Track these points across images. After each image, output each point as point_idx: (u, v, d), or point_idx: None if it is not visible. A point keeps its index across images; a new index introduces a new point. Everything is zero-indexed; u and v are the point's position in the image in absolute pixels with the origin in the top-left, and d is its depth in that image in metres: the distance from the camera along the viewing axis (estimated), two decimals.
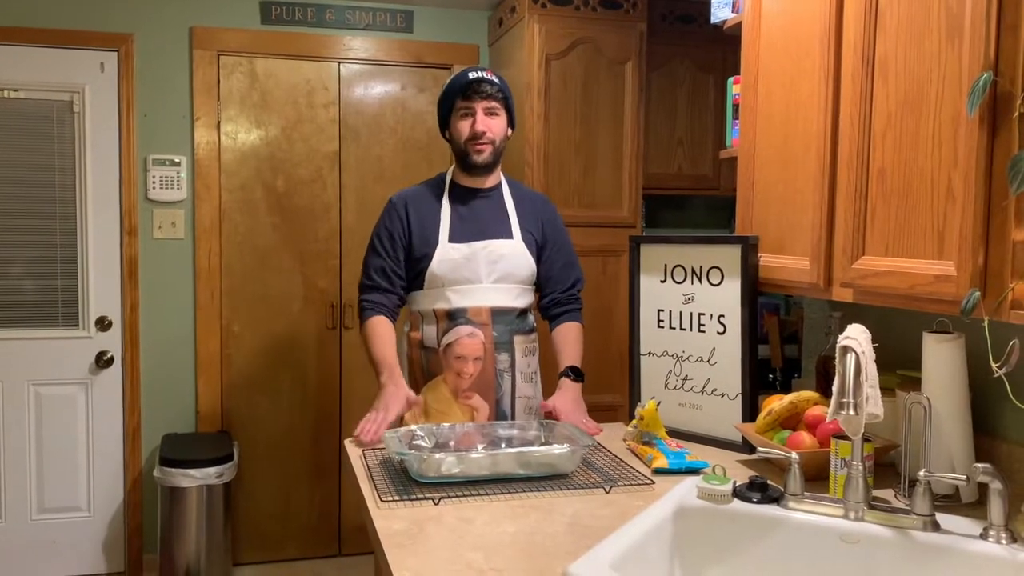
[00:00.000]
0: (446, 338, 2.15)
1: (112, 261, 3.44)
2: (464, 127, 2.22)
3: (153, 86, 3.43)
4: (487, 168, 2.26)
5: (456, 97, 2.23)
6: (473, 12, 3.73)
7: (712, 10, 2.29)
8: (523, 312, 2.30)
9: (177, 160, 3.46)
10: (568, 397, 2.18)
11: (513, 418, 2.24)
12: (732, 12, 2.24)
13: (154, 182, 3.44)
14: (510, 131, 2.30)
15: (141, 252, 3.45)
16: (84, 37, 3.35)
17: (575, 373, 2.24)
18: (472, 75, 2.21)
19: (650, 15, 3.44)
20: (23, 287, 3.38)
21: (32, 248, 3.38)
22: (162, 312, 3.49)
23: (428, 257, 2.21)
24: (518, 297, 2.27)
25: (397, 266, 2.25)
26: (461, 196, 2.29)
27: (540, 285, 2.36)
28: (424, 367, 2.25)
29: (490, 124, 2.22)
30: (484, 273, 2.22)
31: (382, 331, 2.20)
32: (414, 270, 2.25)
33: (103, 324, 3.44)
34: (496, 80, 2.24)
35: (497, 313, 2.22)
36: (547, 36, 3.28)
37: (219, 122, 3.51)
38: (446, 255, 2.20)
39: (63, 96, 3.36)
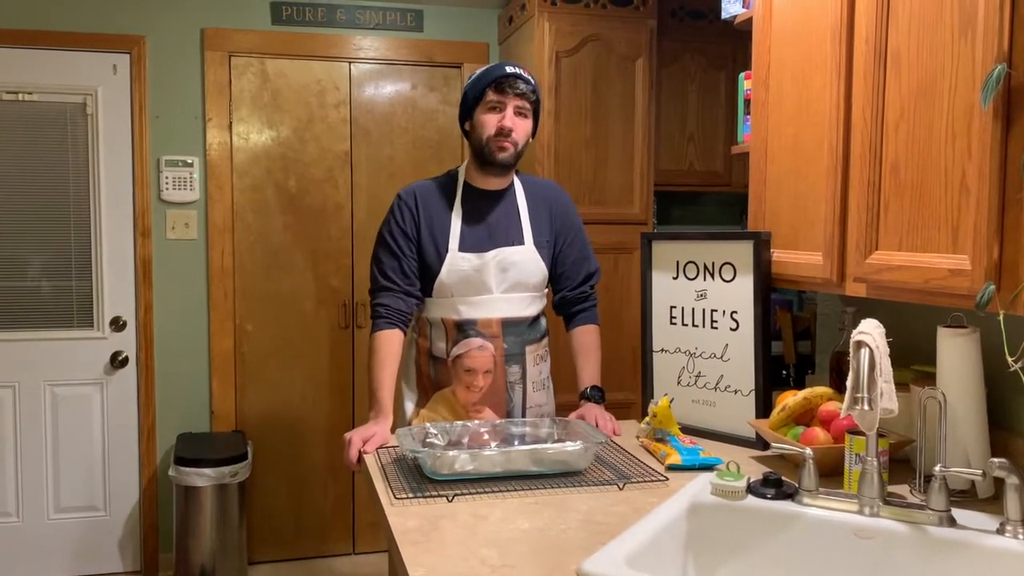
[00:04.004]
0: (455, 350, 2.05)
1: (126, 262, 3.46)
2: (490, 121, 2.06)
3: (165, 88, 3.45)
4: (505, 168, 2.13)
5: (487, 87, 2.06)
6: (483, 10, 3.73)
7: (723, 5, 2.28)
8: (534, 320, 2.20)
9: (190, 161, 3.48)
10: (592, 414, 2.10)
11: None
12: (742, 7, 2.23)
13: (167, 183, 3.46)
14: (531, 138, 2.16)
15: (155, 253, 3.47)
16: (96, 40, 3.37)
17: (596, 393, 2.17)
18: (509, 69, 2.07)
19: (660, 11, 3.44)
20: (38, 288, 3.41)
21: (47, 250, 3.40)
22: (176, 312, 3.51)
23: (437, 265, 2.10)
24: (529, 306, 2.18)
25: (413, 264, 2.12)
26: (472, 199, 2.16)
27: (552, 281, 2.24)
28: (432, 377, 2.17)
29: (517, 124, 2.08)
30: (495, 283, 2.11)
31: (387, 351, 2.06)
32: (423, 276, 2.14)
33: (118, 324, 3.47)
34: (532, 80, 2.10)
35: (508, 324, 2.13)
36: (557, 34, 3.27)
37: (231, 123, 3.52)
38: (456, 265, 2.10)
39: (76, 98, 3.39)
